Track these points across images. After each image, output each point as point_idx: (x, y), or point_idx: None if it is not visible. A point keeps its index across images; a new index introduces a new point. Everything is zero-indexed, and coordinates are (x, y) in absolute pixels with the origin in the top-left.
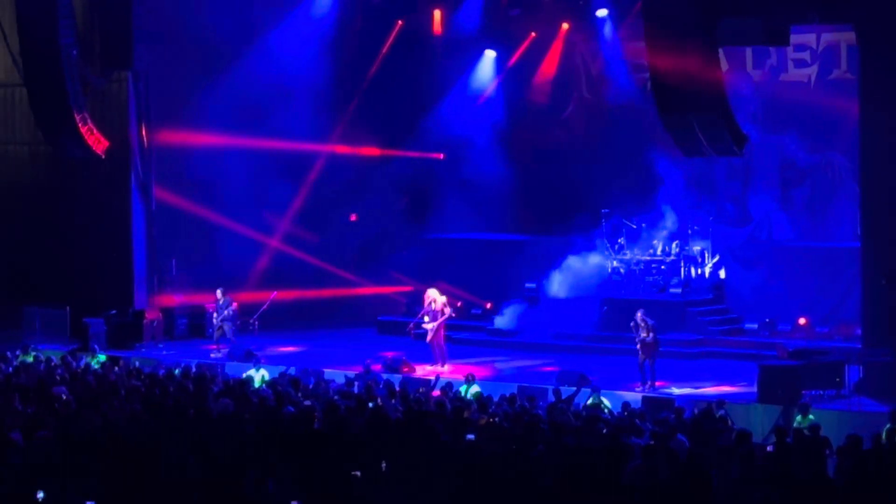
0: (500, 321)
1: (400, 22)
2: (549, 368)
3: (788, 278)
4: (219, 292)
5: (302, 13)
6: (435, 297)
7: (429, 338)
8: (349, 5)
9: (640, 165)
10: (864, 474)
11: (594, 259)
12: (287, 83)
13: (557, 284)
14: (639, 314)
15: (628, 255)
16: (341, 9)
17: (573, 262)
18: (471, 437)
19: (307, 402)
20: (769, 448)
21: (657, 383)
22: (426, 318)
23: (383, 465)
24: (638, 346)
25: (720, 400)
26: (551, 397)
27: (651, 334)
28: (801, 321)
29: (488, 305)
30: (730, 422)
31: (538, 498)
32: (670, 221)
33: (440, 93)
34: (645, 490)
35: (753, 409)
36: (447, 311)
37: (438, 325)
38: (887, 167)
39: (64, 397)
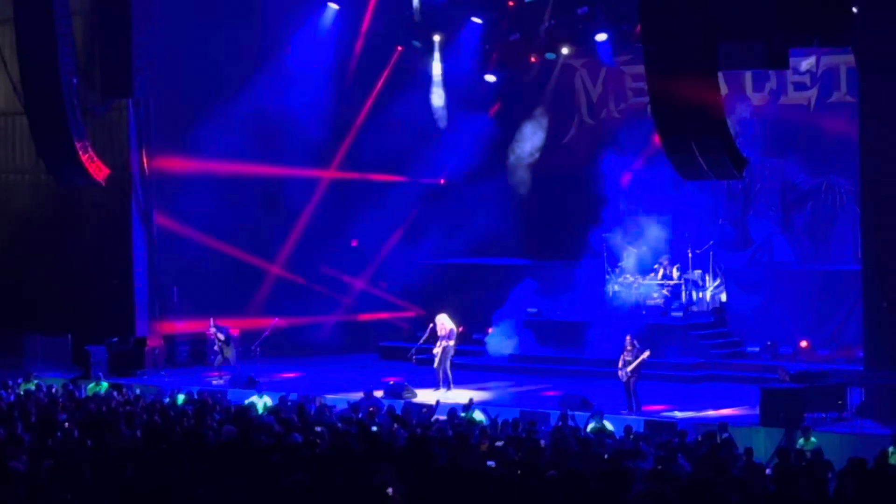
0: (501, 346)
1: (399, 48)
2: (550, 393)
3: (790, 301)
4: (212, 328)
5: (302, 42)
6: (443, 324)
7: (435, 363)
8: (349, 32)
9: (640, 189)
10: (866, 496)
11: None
12: (287, 110)
13: (557, 309)
14: (628, 338)
15: (629, 279)
16: (341, 36)
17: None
18: (474, 462)
19: (318, 429)
20: (768, 471)
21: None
22: (438, 343)
23: (389, 490)
24: (627, 370)
25: (723, 423)
26: (554, 421)
27: (635, 357)
28: (803, 344)
29: (490, 330)
30: (736, 446)
31: None
32: (671, 245)
33: (441, 117)
34: None
35: (755, 432)
36: (449, 341)
37: (444, 351)
38: (888, 190)
39: (66, 425)
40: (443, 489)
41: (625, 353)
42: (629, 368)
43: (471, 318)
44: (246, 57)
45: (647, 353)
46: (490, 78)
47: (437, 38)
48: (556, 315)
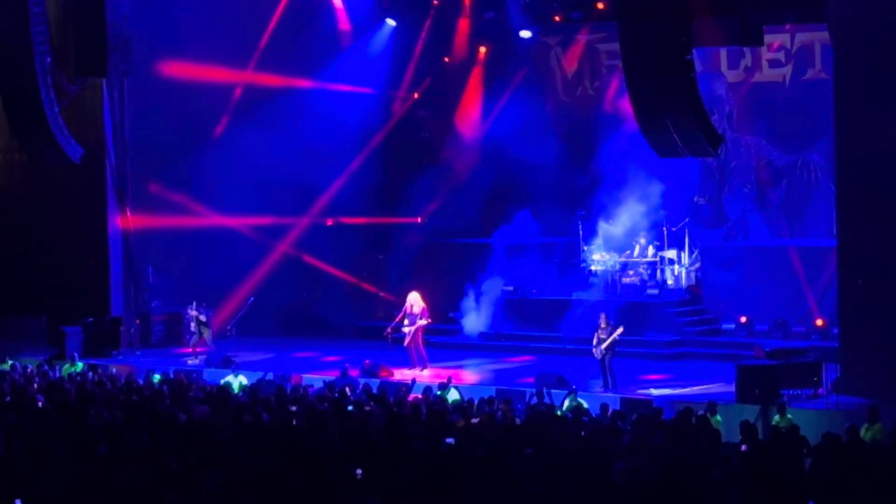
0: (476, 324)
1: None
2: (527, 358)
3: (765, 278)
4: (192, 311)
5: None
6: (415, 302)
7: (406, 341)
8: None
9: (616, 167)
10: (841, 472)
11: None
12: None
13: (533, 286)
14: (602, 315)
15: (605, 257)
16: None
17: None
18: (450, 440)
19: (293, 408)
20: (743, 448)
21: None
22: (406, 322)
23: (358, 471)
24: (602, 347)
25: (712, 402)
26: (531, 399)
27: (609, 335)
28: (779, 321)
29: (464, 308)
30: (712, 422)
31: (520, 501)
32: (646, 222)
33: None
34: (626, 491)
35: (731, 409)
36: (423, 318)
37: (416, 330)
38: (862, 166)
39: (40, 405)
40: (419, 468)
41: (599, 330)
42: (604, 346)
43: (446, 296)
44: (222, 27)
45: (620, 329)
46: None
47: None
48: (532, 293)
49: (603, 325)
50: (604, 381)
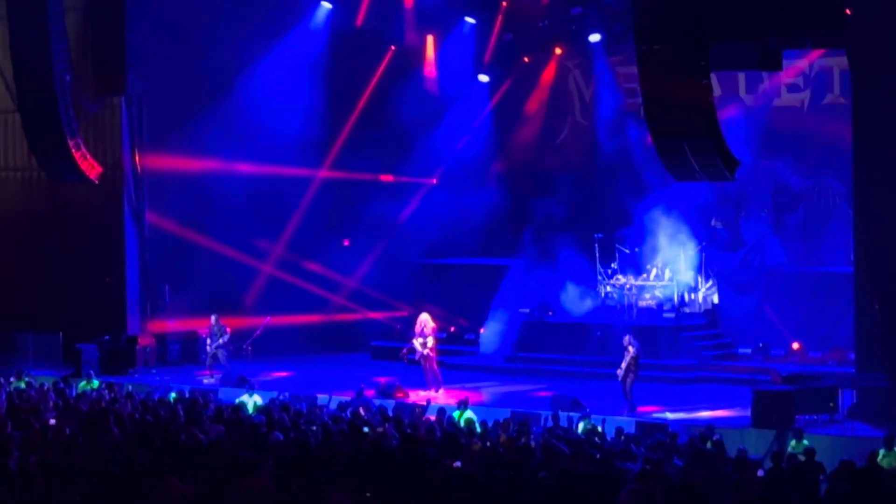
0: (493, 346)
1: (393, 47)
2: (542, 393)
3: (782, 303)
4: (213, 318)
5: (295, 39)
6: (426, 322)
7: (417, 356)
8: (342, 31)
9: (633, 190)
10: (857, 498)
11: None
12: (280, 108)
13: (549, 309)
14: (626, 338)
15: (621, 280)
16: (334, 34)
17: (567, 287)
18: (463, 463)
19: (312, 428)
20: (760, 473)
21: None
22: (419, 342)
23: (368, 493)
24: (619, 371)
25: (710, 426)
26: (547, 423)
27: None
28: (795, 346)
29: (482, 330)
30: (725, 448)
31: None
32: (664, 247)
33: (434, 117)
34: None
35: (747, 433)
36: (430, 341)
37: (430, 351)
38: (880, 192)
39: (52, 422)
40: (433, 489)
41: (625, 352)
42: (619, 370)
43: (463, 319)
44: (239, 55)
45: (628, 357)
46: (483, 78)
47: (430, 37)
48: (549, 316)
49: (629, 349)
50: (627, 403)
